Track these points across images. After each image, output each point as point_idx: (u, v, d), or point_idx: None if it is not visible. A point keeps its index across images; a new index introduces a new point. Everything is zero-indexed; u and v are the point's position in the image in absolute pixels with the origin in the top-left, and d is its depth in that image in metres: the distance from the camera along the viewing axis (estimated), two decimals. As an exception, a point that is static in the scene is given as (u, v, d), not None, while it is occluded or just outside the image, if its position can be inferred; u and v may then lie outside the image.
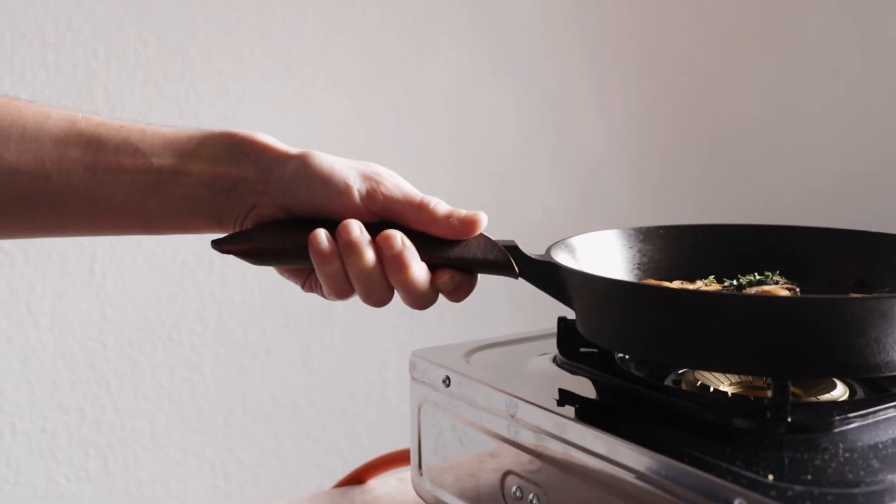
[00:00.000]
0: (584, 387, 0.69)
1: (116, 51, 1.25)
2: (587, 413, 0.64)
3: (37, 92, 1.20)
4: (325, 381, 1.42)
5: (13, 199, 0.64)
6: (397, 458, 0.88)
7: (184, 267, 1.32)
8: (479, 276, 0.67)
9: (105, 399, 1.29)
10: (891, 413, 0.61)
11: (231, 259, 0.98)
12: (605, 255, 0.75)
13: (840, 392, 0.66)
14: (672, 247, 0.78)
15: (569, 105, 1.57)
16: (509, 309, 1.52)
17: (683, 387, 0.68)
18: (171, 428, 1.33)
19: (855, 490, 0.51)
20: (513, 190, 1.53)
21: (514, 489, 0.67)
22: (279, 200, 0.64)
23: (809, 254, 0.77)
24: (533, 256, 0.67)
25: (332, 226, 0.63)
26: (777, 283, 0.72)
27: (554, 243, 0.71)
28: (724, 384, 0.67)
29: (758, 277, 0.73)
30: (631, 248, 0.77)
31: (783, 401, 0.58)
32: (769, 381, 0.61)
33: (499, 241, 0.66)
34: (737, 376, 0.68)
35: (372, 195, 0.64)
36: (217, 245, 0.65)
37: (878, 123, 1.70)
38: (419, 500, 0.78)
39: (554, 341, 0.74)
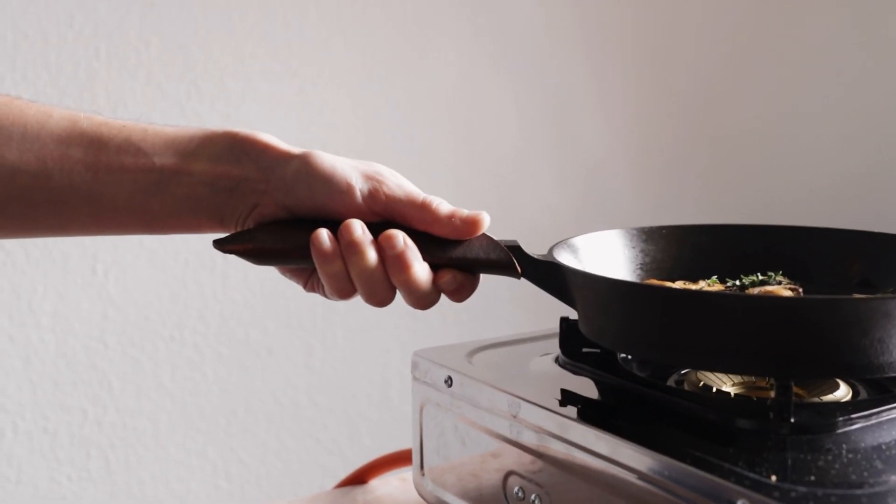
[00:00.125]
0: (587, 387, 0.69)
1: (118, 50, 1.25)
2: (589, 413, 0.64)
3: (39, 91, 1.20)
4: (326, 381, 1.42)
5: (15, 198, 0.64)
6: (399, 459, 0.88)
7: (186, 267, 1.32)
8: (482, 276, 0.67)
9: (107, 399, 1.29)
10: (894, 414, 0.61)
11: (233, 259, 0.98)
12: (608, 255, 0.75)
13: (843, 393, 0.66)
14: (675, 247, 0.78)
15: (570, 105, 1.57)
16: (511, 309, 1.52)
17: (686, 387, 0.68)
18: (172, 428, 1.33)
19: (858, 491, 0.51)
20: (515, 190, 1.53)
21: (516, 489, 0.67)
22: (281, 200, 0.64)
23: (812, 254, 0.77)
24: (535, 256, 0.67)
25: (334, 226, 0.63)
26: (780, 283, 0.72)
27: (556, 243, 0.70)
28: (727, 385, 0.67)
29: (761, 278, 0.73)
30: (633, 248, 0.77)
31: (786, 401, 0.58)
32: (772, 381, 0.61)
33: (501, 240, 0.66)
34: (739, 377, 0.68)
35: (374, 195, 0.64)
36: (219, 245, 0.65)
37: (879, 123, 1.70)
38: (421, 500, 0.78)
39: (556, 341, 0.74)
